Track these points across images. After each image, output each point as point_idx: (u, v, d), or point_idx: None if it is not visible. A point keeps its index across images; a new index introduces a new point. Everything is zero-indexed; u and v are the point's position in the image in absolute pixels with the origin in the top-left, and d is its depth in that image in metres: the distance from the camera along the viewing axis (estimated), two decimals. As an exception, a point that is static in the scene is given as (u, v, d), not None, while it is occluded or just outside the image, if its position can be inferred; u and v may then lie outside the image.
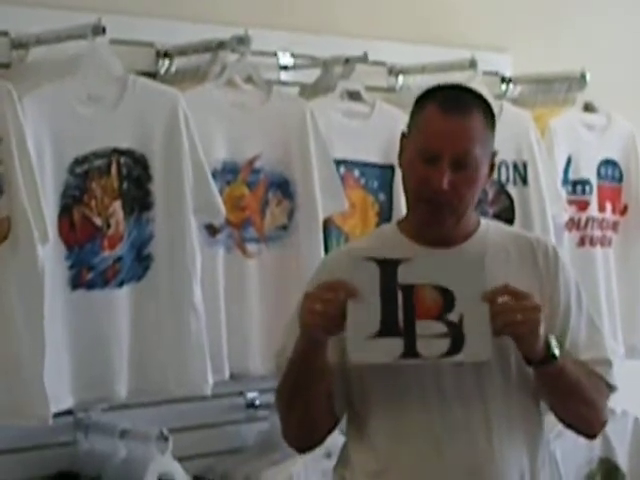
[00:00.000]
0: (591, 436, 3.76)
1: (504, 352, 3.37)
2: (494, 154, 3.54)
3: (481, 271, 3.25)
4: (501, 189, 5.42)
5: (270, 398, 4.84)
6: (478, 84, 5.29)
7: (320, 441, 3.68)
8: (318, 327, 3.24)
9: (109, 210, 4.27)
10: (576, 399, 3.48)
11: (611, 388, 3.56)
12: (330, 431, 3.60)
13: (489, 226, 3.64)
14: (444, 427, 3.43)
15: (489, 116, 3.48)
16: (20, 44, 4.34)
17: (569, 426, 3.63)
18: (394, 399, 3.45)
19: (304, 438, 3.66)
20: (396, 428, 3.47)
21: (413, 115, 3.47)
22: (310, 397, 3.43)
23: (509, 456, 3.46)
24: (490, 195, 5.40)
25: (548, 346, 3.31)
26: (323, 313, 3.21)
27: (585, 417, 3.56)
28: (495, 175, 5.23)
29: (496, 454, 3.44)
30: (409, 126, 3.49)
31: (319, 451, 4.62)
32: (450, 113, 3.37)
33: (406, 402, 3.44)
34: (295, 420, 3.56)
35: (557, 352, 3.31)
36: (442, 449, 3.43)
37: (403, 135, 3.49)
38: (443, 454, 3.43)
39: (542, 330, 3.27)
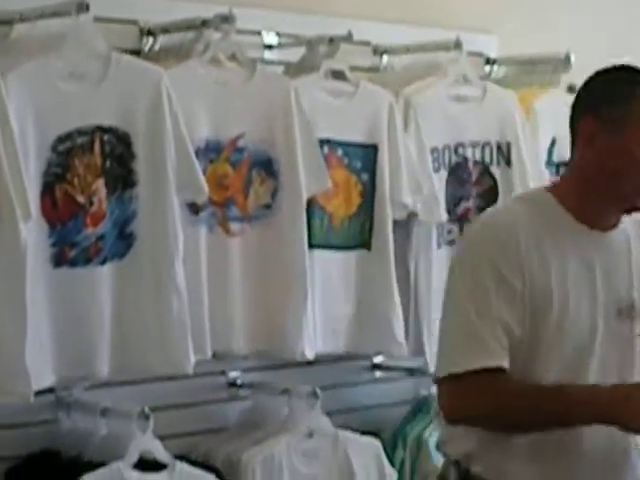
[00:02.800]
0: None
1: None
2: None
3: None
4: (485, 170, 5.46)
5: (252, 377, 4.97)
6: (462, 65, 5.39)
7: None
8: None
9: (92, 188, 4.28)
10: None
11: None
12: None
13: None
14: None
15: None
16: (3, 21, 4.33)
17: None
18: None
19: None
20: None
21: (624, 103, 3.48)
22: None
23: None
24: (474, 176, 5.47)
25: None
26: None
27: None
28: (479, 156, 5.32)
29: None
30: (615, 116, 3.47)
31: (301, 431, 4.72)
32: None
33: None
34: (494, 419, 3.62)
35: None
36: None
37: (591, 122, 3.50)
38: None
39: None
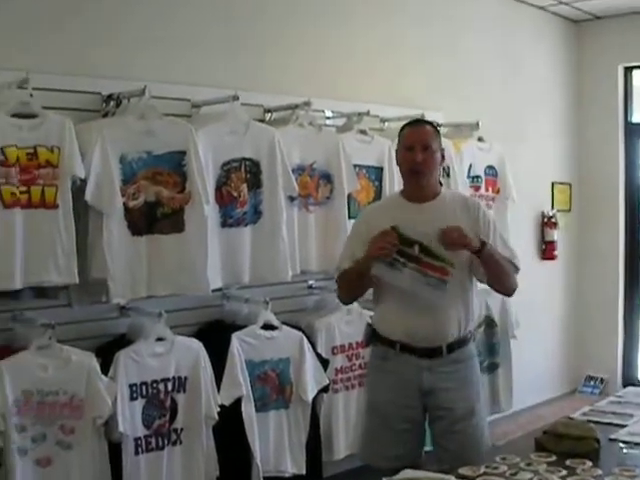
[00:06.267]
0: (510, 294, 3.77)
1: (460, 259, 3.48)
2: (442, 150, 3.61)
3: None
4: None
5: (320, 284, 4.93)
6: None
7: (356, 300, 3.95)
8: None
9: (240, 188, 4.24)
10: (501, 272, 3.54)
11: (517, 269, 3.62)
12: (362, 296, 3.71)
13: (446, 191, 3.71)
14: (417, 302, 3.49)
15: (436, 128, 3.65)
16: (196, 105, 4.33)
17: (497, 290, 3.72)
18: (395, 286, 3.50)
19: (351, 300, 3.91)
20: (395, 298, 3.54)
21: (399, 134, 3.65)
22: (362, 282, 3.54)
23: (450, 308, 3.53)
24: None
25: (481, 241, 3.41)
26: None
27: (506, 281, 3.61)
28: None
29: (444, 306, 3.51)
30: (398, 139, 3.64)
31: (344, 311, 4.71)
32: (414, 125, 3.62)
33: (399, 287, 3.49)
34: (350, 291, 3.68)
35: (485, 240, 3.44)
36: (416, 308, 3.49)
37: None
38: (417, 310, 3.50)
39: (470, 235, 3.38)
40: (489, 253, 3.45)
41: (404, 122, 3.82)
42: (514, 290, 3.68)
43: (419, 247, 3.34)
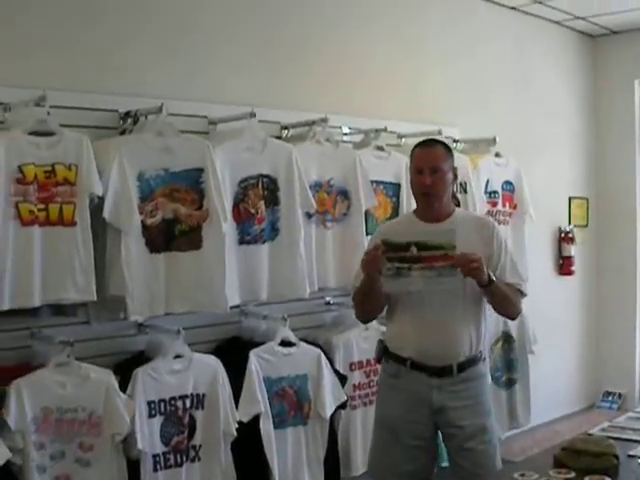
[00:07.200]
0: (513, 318, 3.87)
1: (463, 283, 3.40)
2: (455, 169, 3.60)
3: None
4: (453, 195, 5.32)
5: (338, 300, 4.87)
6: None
7: (374, 318, 3.83)
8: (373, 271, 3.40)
9: (258, 205, 4.21)
10: (505, 301, 3.52)
11: (523, 295, 3.61)
12: (379, 313, 3.68)
13: (459, 211, 3.72)
14: (430, 317, 3.49)
15: (447, 148, 3.60)
16: (213, 122, 4.31)
17: (501, 314, 3.72)
18: (408, 304, 3.49)
19: (368, 318, 3.79)
20: (407, 316, 3.52)
21: (411, 155, 3.65)
22: (372, 299, 3.51)
23: (462, 327, 3.50)
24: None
25: (489, 276, 3.34)
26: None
27: (510, 310, 3.61)
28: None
29: (456, 325, 3.48)
30: (410, 160, 3.63)
31: (361, 327, 4.66)
32: (424, 147, 3.57)
33: (413, 306, 3.48)
34: (365, 309, 3.63)
35: (494, 278, 3.37)
36: (428, 327, 3.49)
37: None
38: (429, 328, 3.48)
39: (485, 270, 3.32)
40: (496, 288, 3.44)
41: (421, 138, 3.81)
42: (518, 314, 3.71)
43: (415, 246, 3.31)
